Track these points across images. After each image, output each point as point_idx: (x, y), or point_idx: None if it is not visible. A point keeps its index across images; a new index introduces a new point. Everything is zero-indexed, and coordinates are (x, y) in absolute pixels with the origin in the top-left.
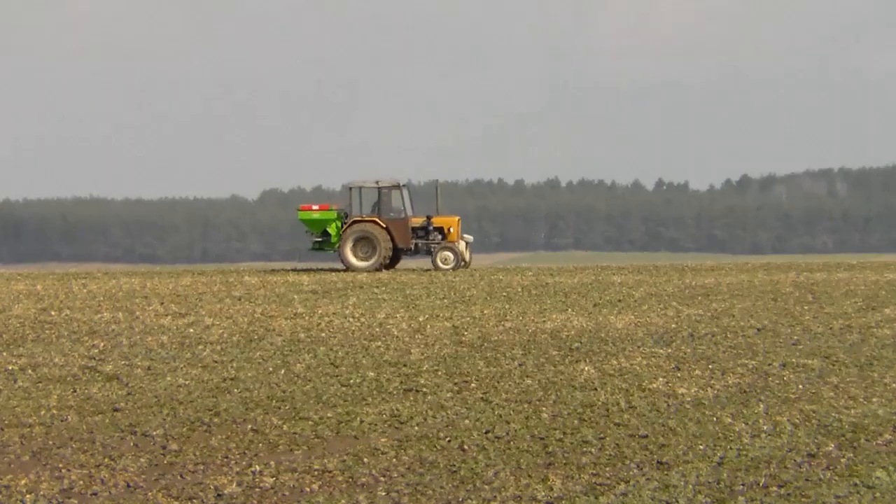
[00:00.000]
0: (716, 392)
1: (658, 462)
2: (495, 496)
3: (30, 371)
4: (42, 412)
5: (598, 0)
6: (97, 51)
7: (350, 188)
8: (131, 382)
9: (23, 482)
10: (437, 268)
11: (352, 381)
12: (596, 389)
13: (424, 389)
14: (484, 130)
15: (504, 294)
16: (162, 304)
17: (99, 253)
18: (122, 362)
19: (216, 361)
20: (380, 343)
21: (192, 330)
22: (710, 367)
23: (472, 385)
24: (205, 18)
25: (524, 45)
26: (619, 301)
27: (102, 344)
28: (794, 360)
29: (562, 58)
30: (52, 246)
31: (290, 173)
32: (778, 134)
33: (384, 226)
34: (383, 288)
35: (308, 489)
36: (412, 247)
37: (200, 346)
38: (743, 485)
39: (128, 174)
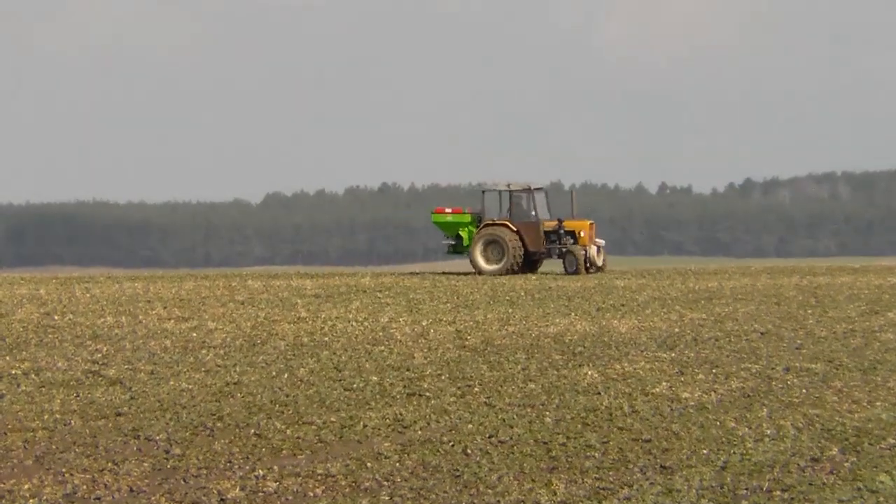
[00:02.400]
0: (719, 396)
1: (661, 466)
2: (499, 500)
3: (33, 375)
4: (45, 416)
5: (603, 2)
6: (99, 52)
7: (483, 191)
8: (134, 387)
9: (26, 487)
10: (566, 271)
11: (355, 385)
12: (599, 394)
13: (427, 394)
14: (486, 132)
15: (507, 298)
16: (165, 308)
17: (102, 257)
18: (126, 367)
19: (219, 366)
20: (383, 347)
21: (195, 334)
22: (713, 371)
23: (476, 389)
24: (207, 19)
25: (527, 46)
26: (623, 305)
27: (105, 348)
28: (797, 364)
29: (565, 59)
30: (55, 250)
31: (292, 176)
32: (781, 137)
33: (515, 229)
34: (386, 292)
35: (311, 494)
36: (544, 250)
37: (204, 351)
38: (746, 489)
39: (130, 177)
